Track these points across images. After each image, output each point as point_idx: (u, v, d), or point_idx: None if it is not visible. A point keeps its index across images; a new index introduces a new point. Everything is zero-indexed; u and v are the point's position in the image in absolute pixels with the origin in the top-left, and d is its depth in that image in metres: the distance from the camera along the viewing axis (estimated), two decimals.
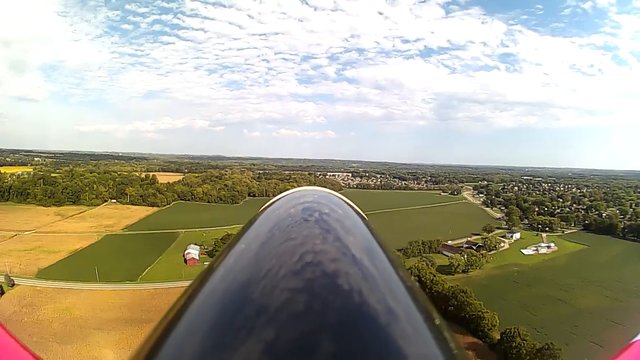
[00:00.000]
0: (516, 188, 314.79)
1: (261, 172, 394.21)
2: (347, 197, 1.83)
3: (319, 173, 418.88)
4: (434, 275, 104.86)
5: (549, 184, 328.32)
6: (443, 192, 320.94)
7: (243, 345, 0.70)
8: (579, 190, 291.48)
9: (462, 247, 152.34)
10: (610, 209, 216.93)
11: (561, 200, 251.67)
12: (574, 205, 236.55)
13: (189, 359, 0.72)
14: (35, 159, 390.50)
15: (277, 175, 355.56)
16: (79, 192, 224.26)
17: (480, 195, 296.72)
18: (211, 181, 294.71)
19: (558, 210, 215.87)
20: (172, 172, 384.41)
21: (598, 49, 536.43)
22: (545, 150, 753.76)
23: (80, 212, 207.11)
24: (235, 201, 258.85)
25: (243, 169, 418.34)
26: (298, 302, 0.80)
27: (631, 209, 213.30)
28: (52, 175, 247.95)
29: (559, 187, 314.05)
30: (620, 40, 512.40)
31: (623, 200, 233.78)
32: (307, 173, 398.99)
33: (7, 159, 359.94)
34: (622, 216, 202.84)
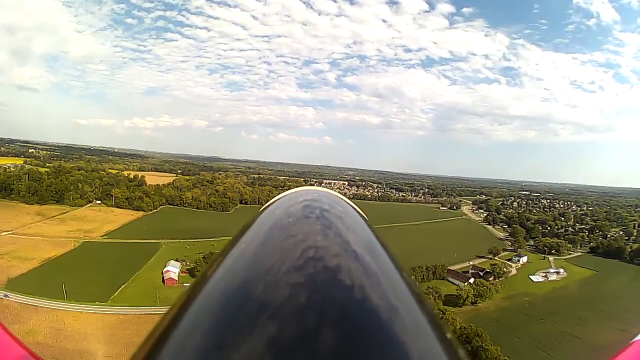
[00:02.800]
0: (515, 204, 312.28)
1: (256, 176, 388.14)
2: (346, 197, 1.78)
3: (314, 180, 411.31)
4: (443, 313, 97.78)
5: (548, 200, 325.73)
6: (442, 205, 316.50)
7: (247, 342, 0.70)
8: (579, 208, 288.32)
9: (467, 272, 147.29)
10: (614, 229, 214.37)
11: (563, 219, 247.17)
12: (577, 224, 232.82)
13: (193, 356, 0.71)
14: (30, 150, 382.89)
15: (272, 182, 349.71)
16: (63, 191, 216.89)
17: (481, 211, 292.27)
18: (202, 185, 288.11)
19: (562, 231, 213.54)
20: (165, 172, 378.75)
21: (600, 66, 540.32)
22: (543, 165, 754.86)
23: (62, 213, 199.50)
24: (225, 209, 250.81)
25: (238, 173, 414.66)
26: (301, 298, 0.80)
27: (635, 230, 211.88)
28: (40, 170, 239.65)
29: (559, 204, 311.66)
30: (622, 58, 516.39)
31: (626, 220, 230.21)
32: (302, 180, 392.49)
33: (2, 148, 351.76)
34: (627, 238, 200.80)
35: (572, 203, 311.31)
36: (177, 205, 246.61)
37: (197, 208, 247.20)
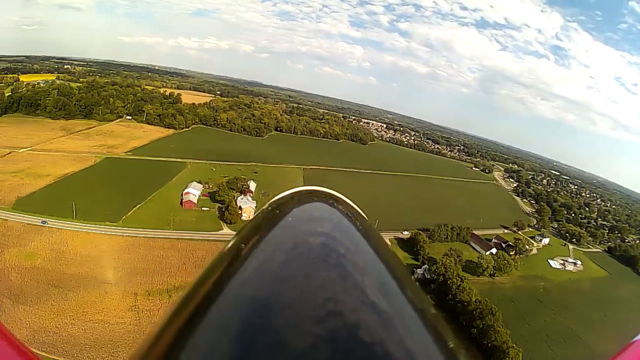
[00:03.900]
0: (545, 182, 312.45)
1: (295, 105, 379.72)
2: (346, 197, 1.74)
3: (353, 117, 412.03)
4: (461, 281, 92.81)
5: (576, 187, 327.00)
6: (475, 166, 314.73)
7: (247, 342, 0.70)
8: (603, 203, 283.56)
9: (491, 240, 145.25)
10: (633, 235, 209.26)
11: (588, 209, 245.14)
12: (599, 219, 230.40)
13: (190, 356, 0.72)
14: (65, 66, 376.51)
15: (311, 113, 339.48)
16: (93, 106, 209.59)
17: (511, 180, 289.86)
18: (239, 108, 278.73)
19: (585, 221, 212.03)
20: (204, 92, 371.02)
21: None
22: (576, 150, 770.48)
23: (89, 128, 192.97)
24: (259, 134, 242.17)
25: (278, 100, 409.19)
26: (299, 300, 0.81)
27: None
28: (72, 85, 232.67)
29: (585, 192, 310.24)
30: None
31: None
32: (341, 116, 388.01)
33: (35, 66, 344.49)
34: None
35: (598, 196, 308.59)
36: (210, 125, 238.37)
37: (231, 130, 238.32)
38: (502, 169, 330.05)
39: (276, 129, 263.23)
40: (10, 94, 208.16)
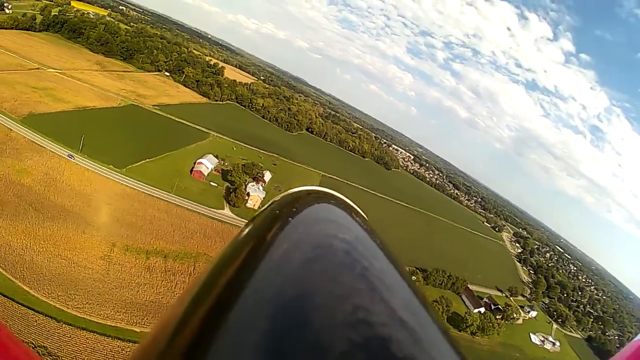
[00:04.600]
0: (548, 255, 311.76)
1: (332, 112, 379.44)
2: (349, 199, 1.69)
3: (384, 140, 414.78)
4: None
5: (576, 268, 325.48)
6: (487, 221, 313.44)
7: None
8: (596, 292, 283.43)
9: (482, 298, 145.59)
10: (614, 330, 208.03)
11: (580, 294, 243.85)
12: (588, 306, 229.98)
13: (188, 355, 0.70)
14: (121, 7, 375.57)
15: (345, 124, 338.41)
16: (135, 51, 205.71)
17: (517, 244, 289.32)
18: (277, 98, 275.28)
19: (575, 305, 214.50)
20: (248, 73, 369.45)
21: None
22: (585, 231, 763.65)
23: (124, 71, 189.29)
24: (289, 129, 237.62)
25: (317, 102, 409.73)
26: (303, 299, 0.81)
27: (627, 341, 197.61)
28: (120, 25, 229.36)
29: (582, 276, 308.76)
30: None
31: (625, 327, 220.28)
32: (373, 135, 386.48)
33: None
34: (618, 345, 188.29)
35: (593, 283, 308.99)
36: (244, 106, 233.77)
37: (263, 117, 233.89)
38: (512, 231, 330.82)
39: (307, 129, 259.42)
40: (56, 14, 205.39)
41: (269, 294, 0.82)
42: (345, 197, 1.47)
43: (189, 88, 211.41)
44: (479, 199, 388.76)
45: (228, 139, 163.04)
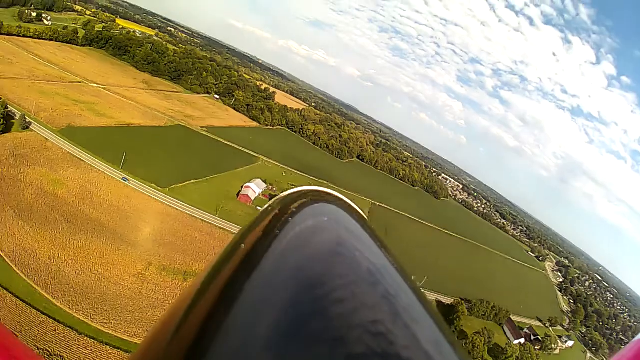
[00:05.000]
0: (587, 284, 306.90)
1: (383, 140, 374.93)
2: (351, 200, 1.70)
3: (434, 169, 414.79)
4: None
5: (612, 296, 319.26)
6: (531, 251, 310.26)
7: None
8: (629, 319, 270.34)
9: (523, 329, 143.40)
10: None
11: (614, 322, 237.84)
12: (620, 334, 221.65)
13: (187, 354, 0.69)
14: (169, 28, 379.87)
15: (395, 152, 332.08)
16: (183, 72, 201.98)
17: (559, 274, 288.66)
18: (329, 125, 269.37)
19: (609, 332, 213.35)
20: (299, 99, 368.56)
21: None
22: (624, 259, 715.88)
23: (171, 91, 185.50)
24: (340, 156, 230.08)
25: (368, 130, 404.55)
26: (302, 298, 0.80)
27: None
28: (168, 46, 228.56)
29: (617, 304, 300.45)
30: None
31: None
32: (423, 164, 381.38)
33: (137, 16, 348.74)
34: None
35: (627, 310, 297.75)
36: (295, 132, 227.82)
37: (314, 144, 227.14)
38: (554, 260, 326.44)
39: (358, 157, 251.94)
40: (100, 30, 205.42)
41: (269, 295, 0.82)
42: (345, 197, 1.45)
43: (239, 112, 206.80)
44: (524, 228, 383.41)
45: (277, 164, 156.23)
